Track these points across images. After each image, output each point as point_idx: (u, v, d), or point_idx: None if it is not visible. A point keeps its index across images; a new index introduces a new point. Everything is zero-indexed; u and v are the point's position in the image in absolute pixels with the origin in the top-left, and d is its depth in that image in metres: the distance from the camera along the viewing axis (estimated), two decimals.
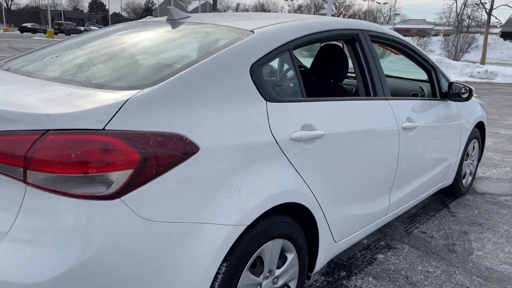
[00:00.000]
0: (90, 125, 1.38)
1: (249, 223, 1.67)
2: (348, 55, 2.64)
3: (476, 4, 34.17)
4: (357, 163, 2.31)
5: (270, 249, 1.86)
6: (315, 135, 1.99)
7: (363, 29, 2.59)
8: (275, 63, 2.17)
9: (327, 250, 2.23)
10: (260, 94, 1.83)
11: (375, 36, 2.70)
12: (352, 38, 2.51)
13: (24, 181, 1.35)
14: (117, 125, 1.40)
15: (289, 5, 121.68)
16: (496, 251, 3.00)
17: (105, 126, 1.38)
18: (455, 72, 17.12)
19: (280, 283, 1.98)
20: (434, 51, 23.23)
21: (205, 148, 1.55)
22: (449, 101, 3.31)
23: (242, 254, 1.70)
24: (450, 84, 3.27)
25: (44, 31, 57.13)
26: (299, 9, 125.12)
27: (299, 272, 2.08)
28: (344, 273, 2.63)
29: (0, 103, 1.48)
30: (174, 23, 2.39)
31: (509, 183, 4.46)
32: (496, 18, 22.69)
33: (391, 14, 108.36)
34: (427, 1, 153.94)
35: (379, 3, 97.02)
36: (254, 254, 1.77)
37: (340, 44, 2.72)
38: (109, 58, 2.06)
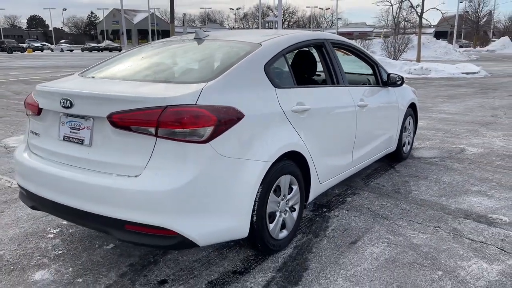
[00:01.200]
0: (188, 102, 2.40)
1: (273, 161, 2.74)
2: (317, 57, 3.78)
3: (409, 7, 37.07)
4: (331, 128, 3.44)
5: (283, 180, 2.94)
6: (305, 109, 3.10)
7: (327, 38, 3.75)
8: (277, 63, 3.23)
9: (315, 187, 3.33)
10: (271, 83, 2.91)
11: (335, 43, 3.86)
12: (320, 45, 3.65)
13: (156, 135, 2.35)
14: (201, 102, 2.44)
15: (234, 14, 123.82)
16: (427, 190, 4.23)
17: (196, 102, 2.41)
18: (395, 69, 18.92)
19: (290, 204, 3.06)
20: (376, 52, 25.24)
21: (247, 115, 2.61)
22: (388, 88, 4.54)
23: (269, 181, 2.76)
24: (388, 75, 4.50)
25: None
26: (244, 17, 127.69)
27: (300, 199, 3.17)
28: (325, 209, 3.75)
29: (131, 93, 2.47)
30: (200, 40, 3.42)
31: (437, 150, 5.79)
32: (427, 20, 25.19)
33: (333, 18, 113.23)
34: (365, 5, 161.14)
35: (322, 9, 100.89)
36: (276, 182, 2.84)
37: (310, 49, 3.86)
38: (172, 63, 3.11)
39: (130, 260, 2.92)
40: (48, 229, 3.40)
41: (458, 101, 10.72)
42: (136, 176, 2.39)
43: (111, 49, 64.34)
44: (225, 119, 2.47)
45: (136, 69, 3.15)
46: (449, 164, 5.09)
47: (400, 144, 5.02)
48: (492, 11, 63.57)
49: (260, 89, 2.83)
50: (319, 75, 4.31)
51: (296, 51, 3.81)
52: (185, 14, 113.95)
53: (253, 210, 2.66)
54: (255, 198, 2.67)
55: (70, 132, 2.67)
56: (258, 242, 2.80)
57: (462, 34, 62.50)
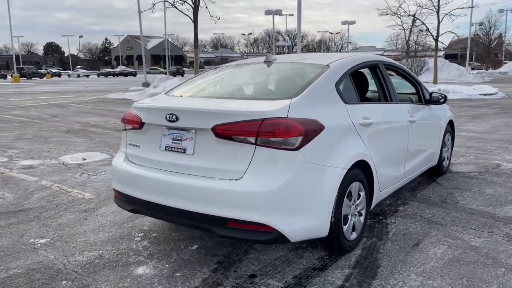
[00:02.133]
0: (281, 115, 2.77)
1: (348, 168, 3.08)
2: (369, 77, 4.15)
3: (420, 30, 37.70)
4: (389, 141, 3.78)
5: (354, 187, 3.27)
6: (369, 122, 3.45)
7: (380, 60, 4.13)
8: (344, 82, 3.60)
9: (377, 195, 3.65)
10: (341, 99, 3.28)
11: (386, 64, 4.24)
12: (375, 66, 4.03)
13: (255, 144, 2.71)
14: (291, 115, 2.80)
15: (245, 39, 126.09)
16: (473, 200, 4.52)
17: (287, 116, 2.78)
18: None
19: (358, 208, 3.38)
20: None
21: (327, 127, 2.96)
22: (431, 105, 4.89)
23: (344, 186, 3.09)
24: (431, 93, 4.85)
25: (4, 76, 56.89)
26: (254, 42, 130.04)
27: (366, 205, 3.49)
28: (381, 217, 4.06)
29: (232, 108, 2.85)
30: (270, 62, 3.82)
31: (473, 165, 6.07)
32: (443, 43, 25.72)
33: (343, 43, 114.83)
34: (374, 30, 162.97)
35: (332, 33, 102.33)
36: (348, 188, 3.17)
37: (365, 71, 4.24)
38: (253, 82, 3.50)
39: (217, 259, 3.24)
40: (133, 233, 3.75)
41: (483, 121, 10.99)
42: (237, 180, 2.75)
43: (126, 74, 65.90)
44: (311, 130, 2.83)
45: (222, 88, 3.57)
46: (488, 178, 5.37)
47: (441, 159, 5.33)
48: (503, 34, 64.12)
49: (334, 105, 3.20)
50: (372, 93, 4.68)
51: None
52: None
53: (332, 212, 2.99)
54: (334, 201, 3.00)
55: (172, 142, 3.04)
56: (335, 242, 3.12)
57: (473, 57, 63.06)
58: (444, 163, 5.49)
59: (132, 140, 3.35)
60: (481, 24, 59.86)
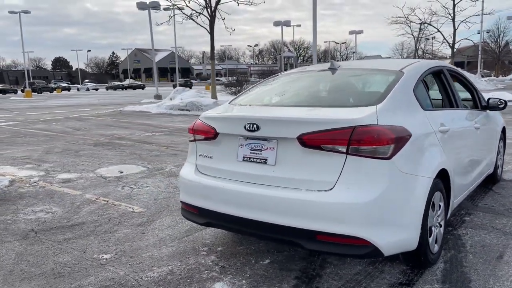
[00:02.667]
0: (371, 122, 2.64)
1: (434, 177, 2.94)
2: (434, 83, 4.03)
3: (427, 38, 37.62)
4: (461, 147, 3.64)
5: (436, 197, 3.12)
6: (446, 129, 3.32)
7: (444, 66, 4.01)
8: (419, 88, 3.48)
9: (451, 205, 3.50)
10: (420, 105, 3.15)
11: (449, 70, 4.11)
12: (440, 71, 3.91)
13: (346, 153, 2.59)
14: (380, 122, 2.67)
15: (250, 51, 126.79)
16: None
17: (377, 123, 2.66)
18: None
19: (439, 220, 3.23)
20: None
21: (413, 134, 2.83)
22: (488, 111, 4.74)
23: (430, 195, 2.95)
24: (489, 99, 4.71)
25: (15, 91, 57.37)
26: (260, 53, 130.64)
27: (444, 216, 3.34)
28: (451, 228, 3.90)
29: (320, 116, 2.73)
30: (335, 69, 3.70)
31: None
32: (460, 51, 25.84)
33: (348, 52, 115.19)
34: (377, 39, 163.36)
35: (337, 43, 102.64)
36: (432, 197, 3.03)
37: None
38: (327, 90, 3.38)
39: (293, 274, 3.10)
40: (197, 247, 3.62)
41: None
42: (326, 191, 2.62)
43: (134, 87, 66.30)
44: (400, 137, 2.70)
45: (294, 96, 3.47)
46: None
47: (496, 166, 5.17)
48: (509, 42, 63.92)
49: (415, 111, 3.07)
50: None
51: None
52: (204, 51, 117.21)
53: (421, 224, 2.85)
54: (423, 212, 2.86)
55: (251, 153, 2.92)
56: (422, 255, 2.96)
57: (482, 64, 62.93)
58: (498, 171, 5.33)
59: (203, 151, 3.24)
60: (488, 31, 59.75)
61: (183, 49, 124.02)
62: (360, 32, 50.54)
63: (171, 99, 19.59)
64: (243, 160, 2.96)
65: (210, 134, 3.15)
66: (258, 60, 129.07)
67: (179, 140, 9.89)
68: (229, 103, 3.62)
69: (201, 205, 3.14)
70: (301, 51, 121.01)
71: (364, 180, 2.58)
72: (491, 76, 57.35)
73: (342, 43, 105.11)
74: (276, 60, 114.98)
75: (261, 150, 2.89)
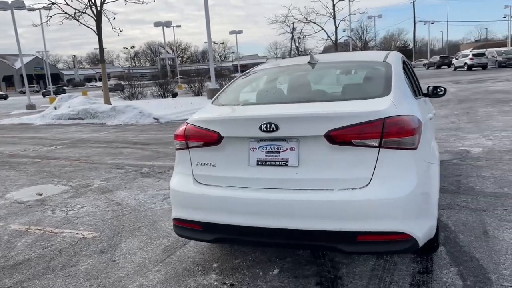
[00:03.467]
0: (395, 113, 2.56)
1: (438, 163, 3.00)
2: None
3: (299, 37, 40.12)
4: (430, 134, 3.74)
5: None
6: (431, 117, 3.42)
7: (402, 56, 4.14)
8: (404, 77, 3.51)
9: None
10: (412, 94, 3.19)
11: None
12: (404, 61, 4.02)
13: (379, 146, 2.47)
14: (400, 112, 2.61)
15: (124, 53, 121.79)
16: (483, 185, 4.76)
17: (398, 114, 2.58)
18: None
19: None
20: None
21: (422, 122, 2.84)
22: (425, 98, 5.06)
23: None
24: (428, 87, 5.02)
25: None
26: (136, 56, 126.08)
27: None
28: None
29: (344, 110, 2.57)
30: (314, 64, 3.56)
31: (448, 153, 6.47)
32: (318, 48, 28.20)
33: (226, 52, 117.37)
34: (253, 39, 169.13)
35: (217, 43, 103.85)
36: None
37: None
38: (323, 83, 3.23)
39: (312, 280, 2.91)
40: (188, 267, 3.22)
41: None
42: (361, 188, 2.48)
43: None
44: (419, 126, 2.68)
45: (293, 91, 3.29)
46: (472, 163, 5.75)
47: None
48: (369, 40, 71.12)
49: (412, 100, 3.09)
50: None
51: None
52: (74, 55, 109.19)
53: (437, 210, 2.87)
54: (438, 199, 2.89)
55: (266, 156, 2.65)
56: (435, 241, 2.99)
57: None
58: None
59: (201, 159, 2.86)
60: (352, 30, 65.57)
61: (48, 53, 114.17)
62: (240, 32, 51.62)
63: (56, 108, 17.70)
64: (258, 164, 2.67)
65: (212, 139, 2.79)
66: (135, 63, 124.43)
67: (89, 152, 8.94)
68: (213, 103, 3.27)
69: (206, 219, 2.77)
70: (179, 52, 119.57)
71: (398, 173, 2.50)
72: None
73: (221, 43, 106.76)
74: (154, 62, 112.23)
75: (279, 152, 2.63)
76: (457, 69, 39.00)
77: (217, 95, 3.41)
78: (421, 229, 2.55)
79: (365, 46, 55.44)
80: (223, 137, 2.75)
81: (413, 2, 69.34)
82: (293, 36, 46.73)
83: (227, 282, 2.96)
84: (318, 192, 2.52)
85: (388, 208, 2.44)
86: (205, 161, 2.84)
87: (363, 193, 2.46)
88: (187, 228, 2.91)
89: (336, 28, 24.54)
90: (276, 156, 2.63)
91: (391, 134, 2.48)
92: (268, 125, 2.58)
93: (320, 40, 40.70)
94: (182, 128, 2.97)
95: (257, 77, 3.67)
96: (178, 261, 3.34)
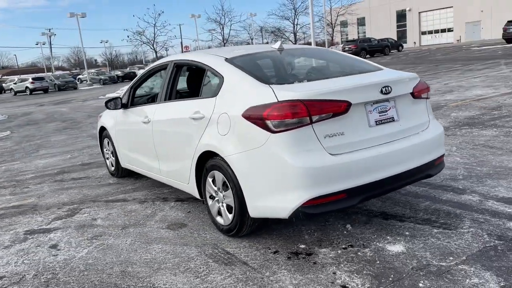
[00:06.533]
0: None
1: None
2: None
3: None
4: None
5: None
6: None
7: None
8: None
9: None
10: None
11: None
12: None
13: (426, 98, 3.42)
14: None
15: None
16: None
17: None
18: None
19: None
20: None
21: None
22: None
23: None
24: None
25: None
26: None
27: None
28: None
29: (405, 74, 3.30)
30: (282, 49, 3.78)
31: None
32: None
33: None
34: None
35: None
36: None
37: None
38: (326, 62, 3.69)
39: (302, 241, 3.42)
40: (260, 248, 2.90)
41: None
42: (426, 129, 3.35)
43: None
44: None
45: (330, 68, 3.72)
46: None
47: None
48: None
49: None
50: None
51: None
52: None
53: None
54: None
55: (380, 116, 3.03)
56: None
57: None
58: None
59: (330, 130, 2.81)
60: None
61: None
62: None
63: None
64: (376, 124, 2.98)
65: (341, 109, 2.81)
66: None
67: None
68: (268, 84, 3.03)
69: (349, 186, 2.81)
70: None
71: (432, 116, 3.50)
72: None
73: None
74: None
75: (386, 111, 3.05)
76: (17, 94, 38.03)
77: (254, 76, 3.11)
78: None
79: None
80: (352, 104, 2.85)
81: None
82: None
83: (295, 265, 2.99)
84: (414, 137, 3.19)
85: (441, 139, 3.43)
86: (334, 132, 2.82)
87: (429, 132, 3.33)
88: (327, 203, 2.79)
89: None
90: (385, 114, 3.06)
91: (423, 91, 3.45)
92: (387, 88, 2.99)
93: None
94: (293, 104, 2.74)
95: (265, 61, 3.59)
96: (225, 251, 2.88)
